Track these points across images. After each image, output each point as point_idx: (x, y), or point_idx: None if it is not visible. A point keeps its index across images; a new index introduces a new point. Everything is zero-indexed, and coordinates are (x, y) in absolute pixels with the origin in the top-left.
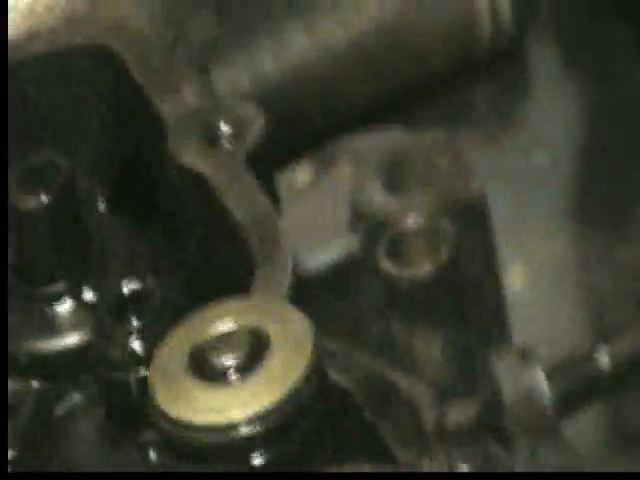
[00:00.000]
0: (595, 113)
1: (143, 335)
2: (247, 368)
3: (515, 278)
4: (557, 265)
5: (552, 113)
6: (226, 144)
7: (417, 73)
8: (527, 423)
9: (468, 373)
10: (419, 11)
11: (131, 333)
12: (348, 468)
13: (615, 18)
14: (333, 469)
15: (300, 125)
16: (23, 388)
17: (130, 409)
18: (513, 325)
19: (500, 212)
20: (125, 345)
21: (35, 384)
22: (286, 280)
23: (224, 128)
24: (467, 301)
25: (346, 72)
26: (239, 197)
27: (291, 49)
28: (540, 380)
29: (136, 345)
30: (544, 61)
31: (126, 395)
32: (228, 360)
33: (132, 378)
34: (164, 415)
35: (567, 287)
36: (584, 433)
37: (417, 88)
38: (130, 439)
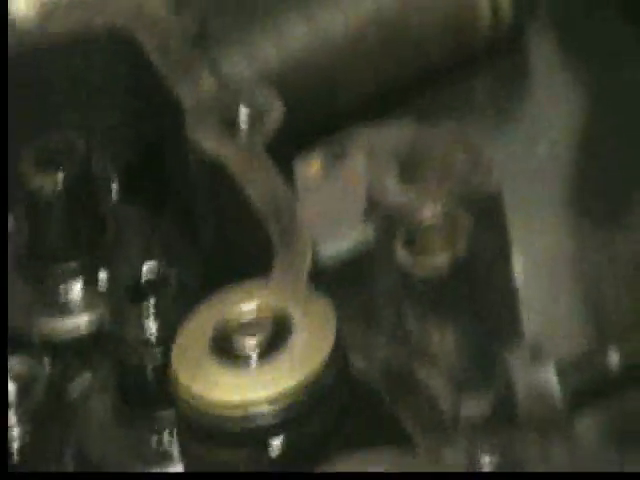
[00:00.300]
0: (595, 105)
1: (159, 318)
2: (269, 350)
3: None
4: (555, 255)
5: (551, 105)
6: (245, 129)
7: (415, 64)
8: (539, 419)
9: (482, 365)
10: (418, 1)
11: (147, 315)
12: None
13: (614, 10)
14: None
15: (299, 116)
16: (36, 367)
17: (144, 391)
18: (533, 324)
19: None
20: (140, 327)
21: (48, 364)
22: (305, 267)
23: (243, 113)
24: (482, 293)
25: (345, 62)
26: (258, 183)
27: (291, 39)
28: (551, 376)
29: (151, 327)
30: (544, 53)
31: (140, 377)
32: (250, 341)
33: (147, 360)
34: (185, 392)
35: (565, 277)
36: (594, 430)
37: (415, 79)
38: (144, 420)
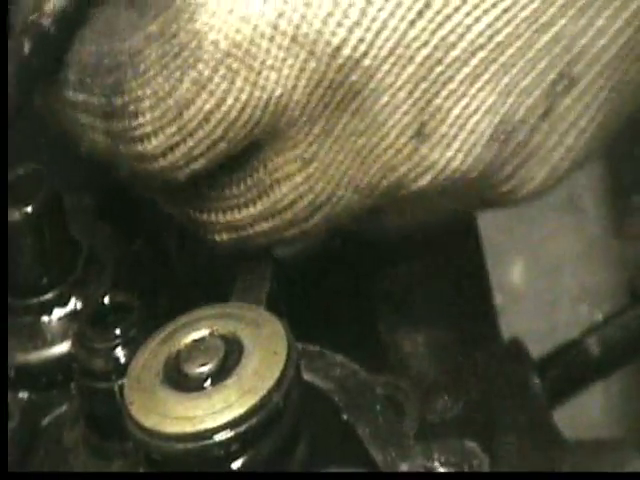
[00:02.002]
0: None
1: (126, 345)
2: (221, 376)
3: (515, 273)
4: (556, 260)
5: None
6: None
7: None
8: (516, 413)
9: (455, 368)
10: None
11: (114, 343)
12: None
13: None
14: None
15: None
16: (11, 401)
17: (114, 418)
18: (512, 318)
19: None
20: (108, 355)
21: (24, 395)
22: (266, 286)
23: None
24: (453, 297)
25: None
26: None
27: None
28: (530, 370)
29: (119, 355)
30: None
31: (110, 404)
32: (202, 368)
33: (116, 387)
34: (139, 426)
35: (565, 281)
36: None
37: None
38: (115, 448)
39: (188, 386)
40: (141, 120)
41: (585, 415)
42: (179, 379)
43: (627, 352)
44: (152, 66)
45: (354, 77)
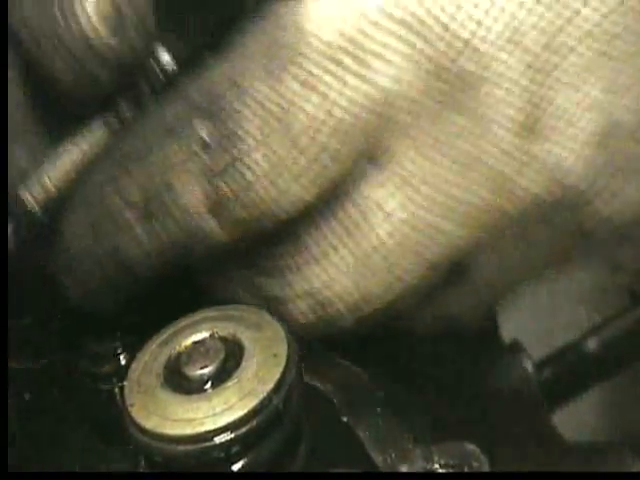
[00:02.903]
0: None
1: (127, 347)
2: (221, 378)
3: None
4: None
5: None
6: None
7: None
8: (515, 415)
9: (454, 369)
10: None
11: (117, 347)
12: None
13: None
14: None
15: None
16: (12, 402)
17: (115, 420)
18: (511, 322)
19: None
20: (109, 357)
21: (22, 397)
22: None
23: None
24: None
25: None
26: None
27: None
28: (529, 371)
29: (120, 357)
30: None
31: (111, 406)
32: (202, 371)
33: (117, 389)
34: (139, 428)
35: (564, 283)
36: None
37: None
38: (115, 450)
39: (188, 388)
40: (244, 136)
41: (581, 418)
42: (179, 381)
43: (626, 354)
44: (254, 72)
45: (470, 66)
